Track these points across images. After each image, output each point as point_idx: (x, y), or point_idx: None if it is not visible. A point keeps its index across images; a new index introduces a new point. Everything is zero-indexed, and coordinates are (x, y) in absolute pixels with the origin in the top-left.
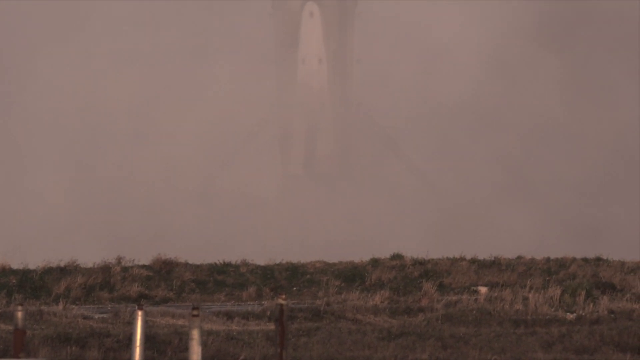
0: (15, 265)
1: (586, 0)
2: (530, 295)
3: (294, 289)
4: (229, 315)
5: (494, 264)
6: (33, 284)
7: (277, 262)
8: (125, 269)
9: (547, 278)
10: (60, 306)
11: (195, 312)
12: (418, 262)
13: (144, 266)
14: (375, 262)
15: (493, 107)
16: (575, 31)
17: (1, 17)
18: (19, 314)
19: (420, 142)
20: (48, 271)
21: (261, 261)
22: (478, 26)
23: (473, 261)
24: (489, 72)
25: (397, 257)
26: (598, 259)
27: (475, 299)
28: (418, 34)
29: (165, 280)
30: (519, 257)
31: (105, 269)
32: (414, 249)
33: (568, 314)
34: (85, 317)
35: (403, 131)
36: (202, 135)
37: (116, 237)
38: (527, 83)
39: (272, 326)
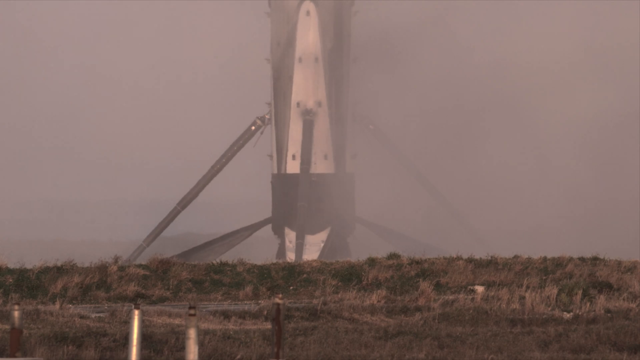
0: (12, 264)
1: None
2: (527, 295)
3: (291, 288)
4: (226, 315)
5: (491, 263)
6: (30, 283)
7: (274, 261)
8: (121, 268)
9: (544, 277)
10: (57, 305)
11: (192, 312)
12: (415, 262)
13: (140, 265)
14: (372, 262)
15: (487, 107)
16: None
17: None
18: (16, 314)
19: (417, 141)
20: (45, 270)
21: (258, 260)
22: (477, 26)
23: (469, 260)
24: (485, 72)
25: (393, 256)
26: (595, 259)
27: (472, 299)
28: (415, 34)
29: (162, 280)
30: (516, 257)
31: (102, 268)
32: (410, 248)
33: (565, 313)
34: (81, 317)
35: (400, 129)
36: (200, 134)
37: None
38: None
39: (268, 325)
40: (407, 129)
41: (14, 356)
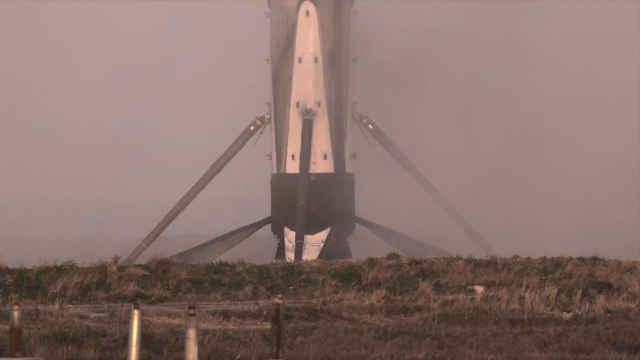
0: (12, 264)
1: None
2: (527, 295)
3: (290, 288)
4: (225, 315)
5: (490, 263)
6: (29, 283)
7: (273, 261)
8: (121, 268)
9: (544, 277)
10: (57, 305)
11: (191, 312)
12: (414, 262)
13: (140, 265)
14: (371, 262)
15: (483, 106)
16: None
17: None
18: (15, 314)
19: (415, 141)
20: (44, 270)
21: (257, 260)
22: (480, 27)
23: (469, 260)
24: (486, 70)
25: (393, 256)
26: (594, 259)
27: (472, 299)
28: (413, 33)
29: (161, 280)
30: (515, 257)
31: (102, 268)
32: (410, 248)
33: (564, 313)
34: (81, 317)
35: (400, 129)
36: (199, 134)
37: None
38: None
39: (268, 325)
40: (406, 129)
41: (14, 356)
